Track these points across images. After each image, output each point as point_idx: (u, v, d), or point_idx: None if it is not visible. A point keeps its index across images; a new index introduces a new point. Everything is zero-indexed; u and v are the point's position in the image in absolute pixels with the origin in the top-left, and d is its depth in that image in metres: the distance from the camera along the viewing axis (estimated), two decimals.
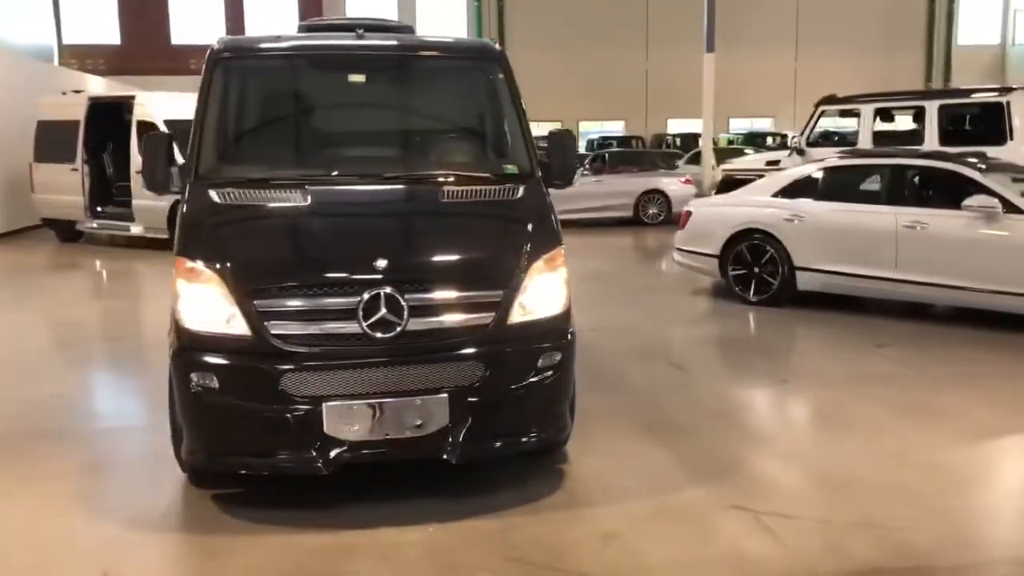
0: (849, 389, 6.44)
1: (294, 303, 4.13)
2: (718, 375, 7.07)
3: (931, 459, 5.09)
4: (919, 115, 12.50)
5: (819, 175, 9.39)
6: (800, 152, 12.85)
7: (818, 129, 13.16)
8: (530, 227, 4.62)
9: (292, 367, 4.10)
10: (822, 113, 13.05)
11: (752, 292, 9.45)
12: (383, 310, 4.12)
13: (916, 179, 8.81)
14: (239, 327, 4.14)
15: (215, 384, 4.15)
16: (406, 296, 4.15)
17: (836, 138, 13.55)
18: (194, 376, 4.16)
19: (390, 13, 32.31)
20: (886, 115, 12.61)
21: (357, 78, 5.40)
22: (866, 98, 12.69)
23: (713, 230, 9.82)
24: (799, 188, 9.39)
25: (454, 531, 4.19)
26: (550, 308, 4.46)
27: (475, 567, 3.86)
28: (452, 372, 4.22)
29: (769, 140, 29.84)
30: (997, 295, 7.98)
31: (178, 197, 4.87)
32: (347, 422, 4.12)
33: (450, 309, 4.24)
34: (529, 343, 4.37)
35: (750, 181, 13.07)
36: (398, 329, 4.13)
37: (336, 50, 5.33)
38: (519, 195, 4.86)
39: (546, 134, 5.48)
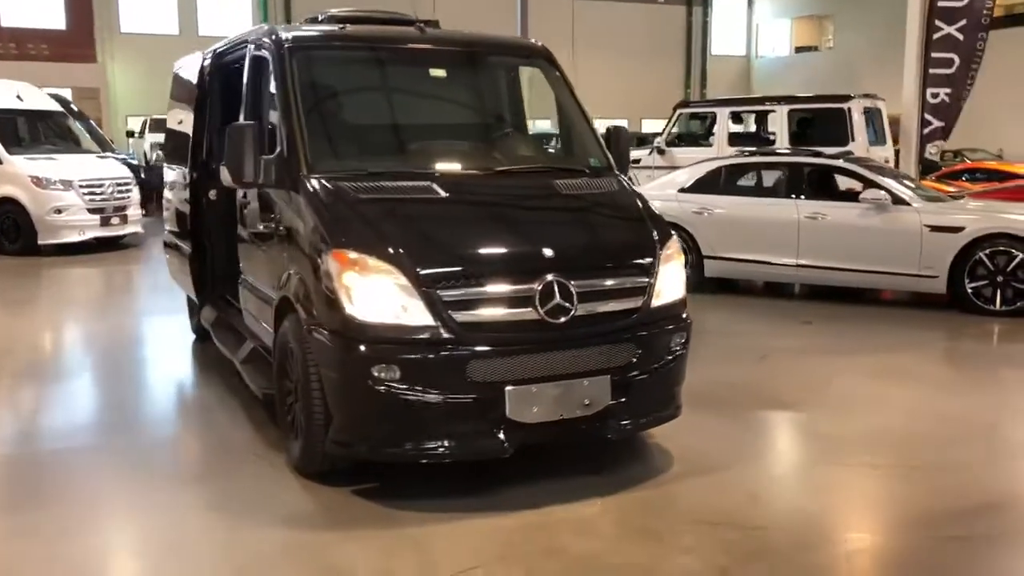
0: (822, 360, 7.29)
1: (478, 291, 4.23)
2: (700, 355, 7.62)
3: (943, 410, 5.97)
4: (761, 118, 13.90)
5: (722, 173, 10.31)
6: (660, 152, 13.87)
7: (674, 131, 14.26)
8: (648, 217, 4.96)
9: (479, 354, 4.19)
10: (678, 116, 14.16)
11: None
12: (557, 296, 4.31)
13: (810, 176, 9.93)
14: (422, 317, 4.16)
15: (397, 375, 4.14)
16: (573, 282, 4.37)
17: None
18: (375, 369, 4.13)
19: None
20: (737, 118, 13.92)
21: (438, 72, 5.46)
22: (721, 102, 13.93)
23: None
24: (703, 184, 10.26)
25: (622, 503, 4.44)
26: (676, 292, 4.82)
27: (673, 531, 4.16)
28: (613, 353, 4.48)
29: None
30: (886, 275, 9.22)
31: None
32: (527, 404, 4.26)
33: (610, 294, 4.51)
34: (666, 324, 4.72)
35: None
36: (570, 314, 4.34)
37: (415, 42, 5.37)
38: (618, 187, 5.19)
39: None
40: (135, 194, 14.61)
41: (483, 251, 4.42)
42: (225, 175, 4.99)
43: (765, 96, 14.19)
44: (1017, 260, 8.65)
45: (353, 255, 4.25)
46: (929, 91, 12.79)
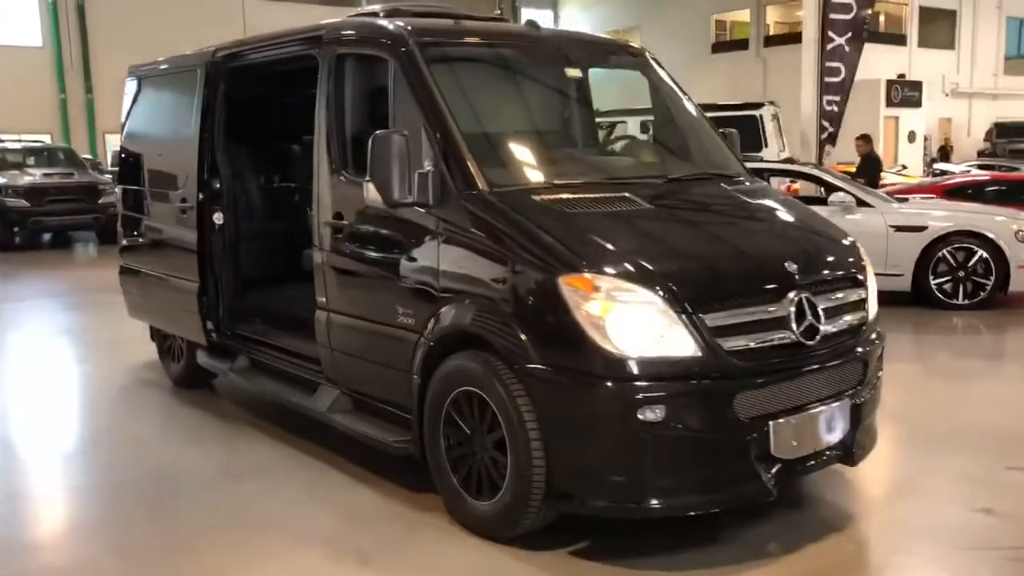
0: None
1: (740, 312, 3.72)
2: None
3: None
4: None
5: None
6: None
7: None
8: (833, 224, 4.62)
9: (746, 384, 3.67)
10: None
11: None
12: (809, 316, 3.87)
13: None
14: (687, 345, 3.59)
15: (660, 415, 3.54)
16: (819, 298, 3.95)
17: None
18: (637, 411, 3.52)
19: None
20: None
21: (574, 73, 4.87)
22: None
23: None
24: None
25: (867, 536, 4.15)
26: (876, 304, 4.47)
27: (962, 560, 3.85)
28: (847, 374, 4.09)
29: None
30: None
31: None
32: (791, 438, 3.79)
33: (844, 309, 4.13)
34: (877, 340, 4.37)
35: None
36: (820, 334, 3.91)
37: (543, 41, 4.77)
38: (782, 193, 4.83)
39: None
40: None
41: (734, 268, 3.92)
42: (373, 193, 4.16)
43: None
44: (977, 256, 9.07)
45: (592, 277, 3.61)
46: (825, 98, 13.32)
